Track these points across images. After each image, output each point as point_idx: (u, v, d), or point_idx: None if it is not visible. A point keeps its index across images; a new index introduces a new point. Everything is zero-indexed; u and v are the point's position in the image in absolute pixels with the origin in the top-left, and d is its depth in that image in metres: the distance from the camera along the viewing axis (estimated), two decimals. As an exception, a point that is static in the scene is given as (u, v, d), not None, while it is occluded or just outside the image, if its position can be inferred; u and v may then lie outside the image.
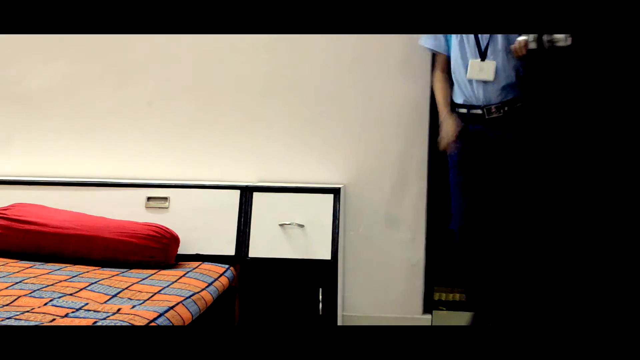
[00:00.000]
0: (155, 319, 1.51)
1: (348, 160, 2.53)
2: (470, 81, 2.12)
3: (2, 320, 1.39)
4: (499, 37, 2.09)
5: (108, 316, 1.48)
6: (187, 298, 1.74)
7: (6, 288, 1.69)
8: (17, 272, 1.91)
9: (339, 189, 2.34)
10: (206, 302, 1.83)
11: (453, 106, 2.20)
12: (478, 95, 2.12)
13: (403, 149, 2.51)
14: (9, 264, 2.03)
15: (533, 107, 2.15)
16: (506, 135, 2.12)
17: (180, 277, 1.98)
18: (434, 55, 2.30)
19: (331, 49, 2.51)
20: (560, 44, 1.97)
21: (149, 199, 2.37)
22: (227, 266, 2.20)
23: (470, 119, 2.14)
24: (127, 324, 1.42)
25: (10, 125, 2.68)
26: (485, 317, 2.23)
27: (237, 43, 2.55)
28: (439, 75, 2.26)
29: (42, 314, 1.46)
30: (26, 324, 1.38)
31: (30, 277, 1.82)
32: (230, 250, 2.29)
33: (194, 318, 1.70)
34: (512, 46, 2.04)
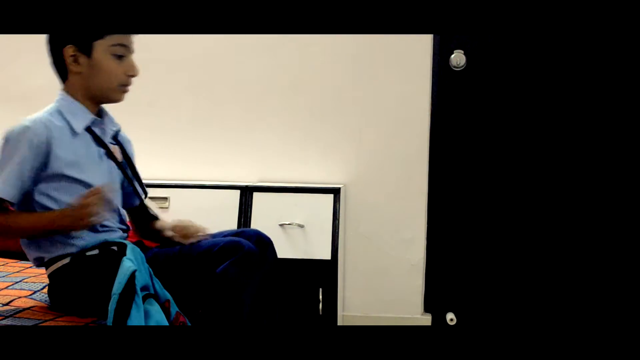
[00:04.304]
0: (155, 318, 1.50)
1: (348, 160, 2.53)
2: None
3: (2, 319, 1.39)
4: None
5: (108, 316, 1.48)
6: (187, 298, 1.73)
7: (6, 288, 1.68)
8: (17, 271, 1.91)
9: (339, 189, 2.34)
10: (206, 302, 1.82)
11: None
12: None
13: (403, 149, 2.51)
14: (8, 264, 2.03)
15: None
16: None
17: (180, 277, 1.97)
18: None
19: (331, 48, 2.52)
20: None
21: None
22: (227, 266, 2.20)
23: None
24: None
25: (11, 125, 2.68)
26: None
27: (237, 43, 2.56)
28: None
29: (42, 313, 1.46)
30: (26, 323, 1.38)
31: (30, 277, 1.82)
32: (230, 250, 2.29)
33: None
34: None
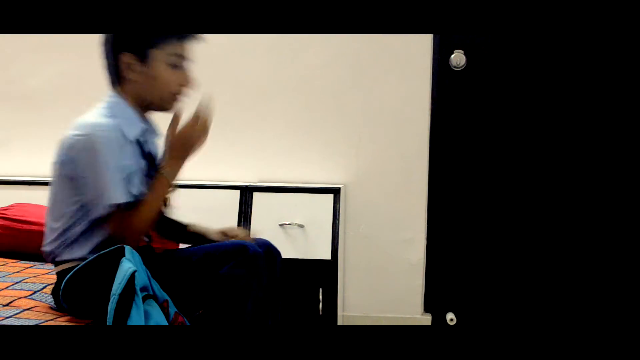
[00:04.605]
0: (155, 318, 1.50)
1: (348, 160, 2.53)
2: None
3: (2, 319, 1.39)
4: None
5: (108, 316, 1.48)
6: (187, 298, 1.73)
7: (6, 288, 1.69)
8: (17, 272, 1.91)
9: (339, 189, 2.34)
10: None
11: None
12: None
13: (403, 149, 2.51)
14: (8, 264, 2.03)
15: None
16: None
17: (180, 277, 1.97)
18: None
19: (331, 49, 2.52)
20: None
21: (149, 199, 2.37)
22: (227, 266, 2.20)
23: None
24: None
25: (10, 125, 2.68)
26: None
27: (237, 43, 2.55)
28: None
29: (43, 313, 1.47)
30: (26, 323, 1.38)
31: (30, 277, 1.82)
32: (230, 250, 2.29)
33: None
34: None
